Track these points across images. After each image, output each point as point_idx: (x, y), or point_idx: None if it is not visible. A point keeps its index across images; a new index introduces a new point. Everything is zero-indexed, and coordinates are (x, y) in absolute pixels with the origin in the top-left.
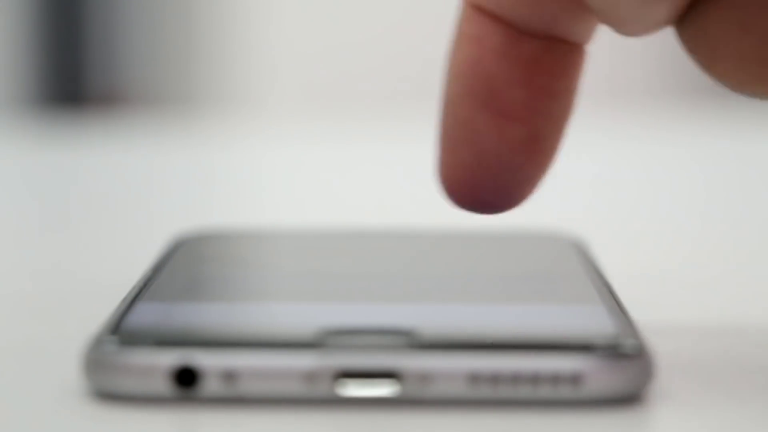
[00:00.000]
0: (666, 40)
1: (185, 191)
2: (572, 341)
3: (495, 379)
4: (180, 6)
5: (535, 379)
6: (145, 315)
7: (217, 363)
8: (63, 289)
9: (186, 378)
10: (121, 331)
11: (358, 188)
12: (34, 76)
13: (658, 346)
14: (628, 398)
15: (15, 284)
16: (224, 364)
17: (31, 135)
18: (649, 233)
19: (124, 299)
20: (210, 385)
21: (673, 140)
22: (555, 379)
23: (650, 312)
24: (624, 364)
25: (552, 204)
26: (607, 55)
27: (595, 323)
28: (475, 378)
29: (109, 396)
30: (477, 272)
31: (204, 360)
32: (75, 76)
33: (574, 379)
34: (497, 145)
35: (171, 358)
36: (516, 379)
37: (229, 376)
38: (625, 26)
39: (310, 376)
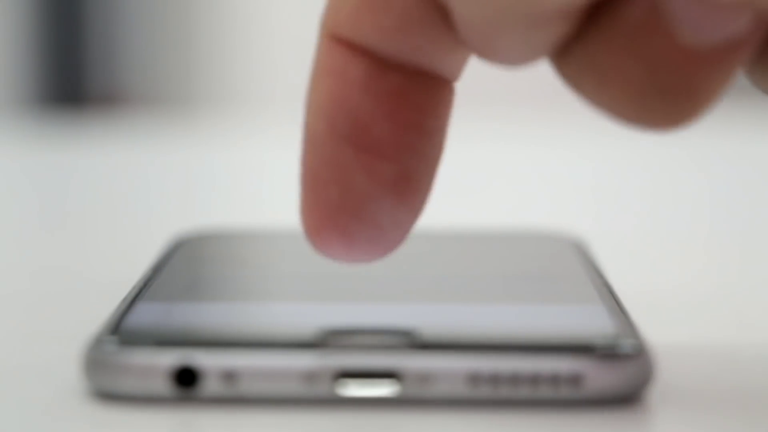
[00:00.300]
0: None
1: (185, 191)
2: (572, 341)
3: (495, 379)
4: (180, 6)
5: (534, 379)
6: (145, 315)
7: (217, 363)
8: (63, 289)
9: (186, 378)
10: (121, 331)
11: None
12: (34, 76)
13: (658, 346)
14: (628, 398)
15: (15, 284)
16: (224, 364)
17: (31, 135)
18: (649, 233)
19: (124, 299)
20: (210, 385)
21: (673, 140)
22: (555, 379)
23: (650, 312)
24: (624, 364)
25: (552, 204)
26: None
27: (594, 323)
28: (475, 378)
29: (109, 396)
30: (477, 272)
31: (204, 360)
32: (75, 76)
33: (574, 379)
34: (365, 184)
35: (171, 358)
36: (516, 379)
37: (229, 376)
38: (501, 55)
39: (310, 376)
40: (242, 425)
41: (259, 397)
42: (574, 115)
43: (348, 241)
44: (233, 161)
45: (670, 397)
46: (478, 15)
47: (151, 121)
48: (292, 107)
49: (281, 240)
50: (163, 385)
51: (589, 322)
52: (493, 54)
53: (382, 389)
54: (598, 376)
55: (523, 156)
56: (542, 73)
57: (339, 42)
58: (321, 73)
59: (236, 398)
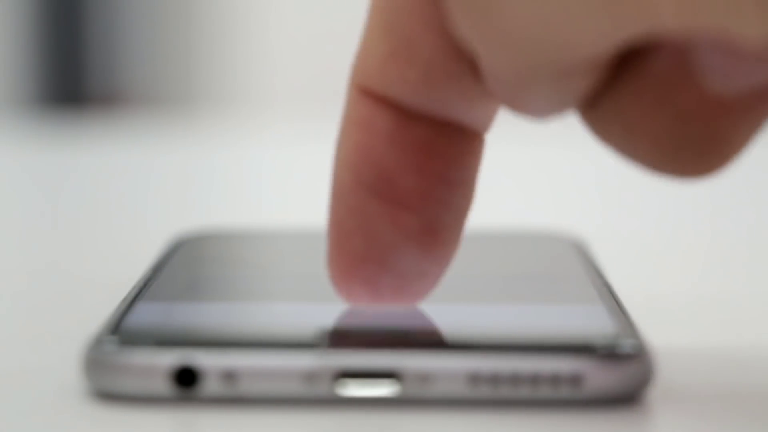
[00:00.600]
0: None
1: (185, 191)
2: (572, 341)
3: (495, 379)
4: (180, 6)
5: (535, 379)
6: (145, 315)
7: (217, 363)
8: (63, 289)
9: (186, 378)
10: (121, 331)
11: None
12: (34, 76)
13: (658, 346)
14: (628, 398)
15: (15, 284)
16: (224, 364)
17: (31, 135)
18: (649, 233)
19: (124, 299)
20: (210, 385)
21: None
22: (555, 379)
23: (650, 312)
24: (624, 364)
25: (553, 204)
26: None
27: (595, 323)
28: (475, 378)
29: (109, 396)
30: (477, 272)
31: (204, 360)
32: (75, 76)
33: (574, 379)
34: (391, 235)
35: (171, 358)
36: (516, 379)
37: (229, 376)
38: (529, 107)
39: (310, 376)
40: (242, 425)
41: (259, 397)
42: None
43: (373, 290)
44: (233, 161)
45: (670, 397)
46: (506, 67)
47: (151, 121)
48: (292, 107)
49: (281, 240)
50: (163, 385)
51: (589, 322)
52: (522, 106)
53: (382, 389)
54: (598, 376)
55: (524, 156)
56: None
57: (367, 93)
58: (349, 124)
59: (236, 398)
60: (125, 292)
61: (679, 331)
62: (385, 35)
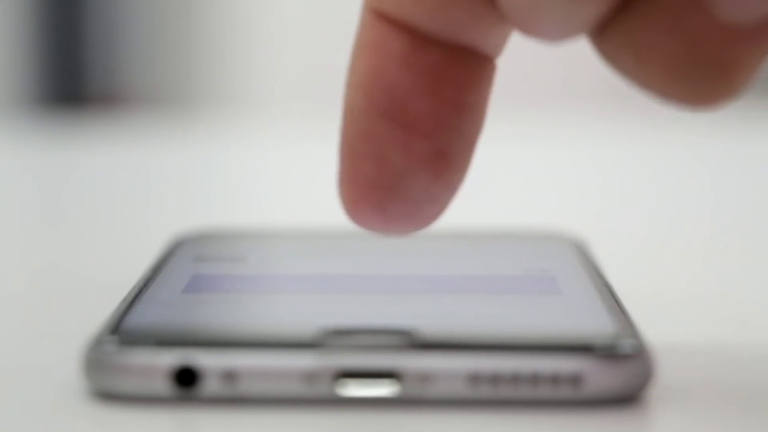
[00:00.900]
0: None
1: (185, 191)
2: (572, 341)
3: (495, 379)
4: (180, 6)
5: (534, 379)
6: (145, 315)
7: (217, 363)
8: (63, 289)
9: (186, 378)
10: (121, 331)
11: None
12: (34, 76)
13: (658, 346)
14: (628, 398)
15: (15, 284)
16: (224, 364)
17: (31, 135)
18: (649, 233)
19: (124, 299)
20: (210, 385)
21: (673, 140)
22: (555, 379)
23: (650, 312)
24: (624, 364)
25: (552, 204)
26: None
27: (595, 323)
28: (475, 378)
29: (109, 396)
30: (477, 272)
31: (204, 360)
32: (75, 76)
33: (574, 379)
34: (402, 160)
35: (171, 358)
36: (516, 379)
37: (229, 376)
38: (543, 30)
39: (310, 376)
40: (242, 425)
41: (259, 397)
42: (574, 115)
43: (383, 214)
44: (233, 161)
45: (670, 397)
46: None
47: (151, 121)
48: (291, 107)
49: (281, 240)
50: (163, 385)
51: (589, 322)
52: (534, 29)
53: (382, 389)
54: (598, 376)
55: (524, 156)
56: (543, 74)
57: (380, 16)
58: (362, 47)
59: (236, 398)
60: (125, 292)
61: (679, 331)
62: None
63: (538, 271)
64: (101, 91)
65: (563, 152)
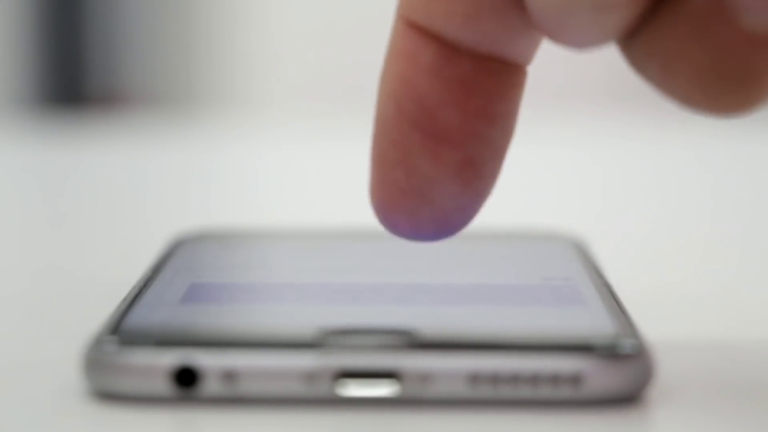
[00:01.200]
0: None
1: (185, 191)
2: (572, 341)
3: (495, 379)
4: (180, 6)
5: (535, 379)
6: (145, 315)
7: (217, 363)
8: (63, 289)
9: (186, 378)
10: (121, 331)
11: (358, 187)
12: (34, 76)
13: (658, 345)
14: (628, 398)
15: (15, 284)
16: (224, 364)
17: (31, 135)
18: (649, 233)
19: (124, 299)
20: (210, 385)
21: (674, 140)
22: (555, 379)
23: (650, 312)
24: (624, 364)
25: (553, 204)
26: (607, 55)
27: (595, 323)
28: (475, 378)
29: (109, 396)
30: (477, 272)
31: (204, 360)
32: (75, 76)
33: (574, 379)
34: (431, 169)
35: (171, 358)
36: (516, 379)
37: (229, 376)
38: (571, 39)
39: (310, 376)
40: (242, 425)
41: (259, 397)
42: (574, 115)
43: (413, 221)
44: (233, 161)
45: (670, 397)
46: None
47: (151, 121)
48: (291, 107)
49: (281, 240)
50: (163, 385)
51: (589, 322)
52: (564, 37)
53: (382, 389)
54: (598, 376)
55: (524, 156)
56: (543, 74)
57: (412, 26)
58: (393, 55)
59: (236, 398)
60: (125, 292)
61: (679, 331)
62: None
63: (539, 271)
64: (101, 91)
65: (563, 152)
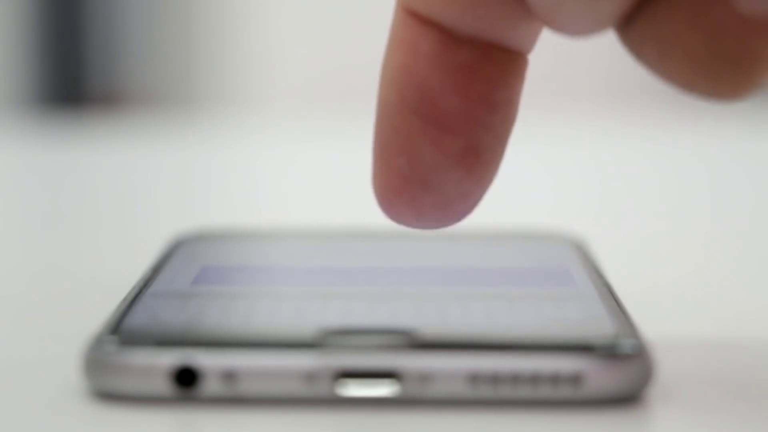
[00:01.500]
0: None
1: (185, 191)
2: (572, 341)
3: (495, 379)
4: (180, 6)
5: (534, 379)
6: (145, 315)
7: (217, 363)
8: (63, 289)
9: (186, 378)
10: (121, 331)
11: (358, 187)
12: (34, 76)
13: (658, 345)
14: (628, 398)
15: (15, 284)
16: (224, 364)
17: (31, 135)
18: (649, 232)
19: (124, 299)
20: (210, 385)
21: (674, 140)
22: (555, 379)
23: (650, 311)
24: (624, 364)
25: (552, 204)
26: (607, 55)
27: (594, 323)
28: (475, 378)
29: (109, 396)
30: (477, 272)
31: (204, 360)
32: (75, 76)
33: (574, 379)
34: (433, 156)
35: (171, 358)
36: (516, 379)
37: (229, 376)
38: (568, 26)
39: (310, 376)
40: (242, 425)
41: (259, 397)
42: (574, 115)
43: (416, 210)
44: (233, 161)
45: (670, 397)
46: None
47: (151, 121)
48: (291, 107)
49: (281, 240)
50: (163, 385)
51: (589, 322)
52: (561, 24)
53: (382, 389)
54: (598, 376)
55: (524, 156)
56: (543, 74)
57: (412, 15)
58: (394, 44)
59: (236, 398)
60: (125, 292)
61: (679, 331)
62: None
63: (538, 271)
64: (101, 91)
65: (563, 152)
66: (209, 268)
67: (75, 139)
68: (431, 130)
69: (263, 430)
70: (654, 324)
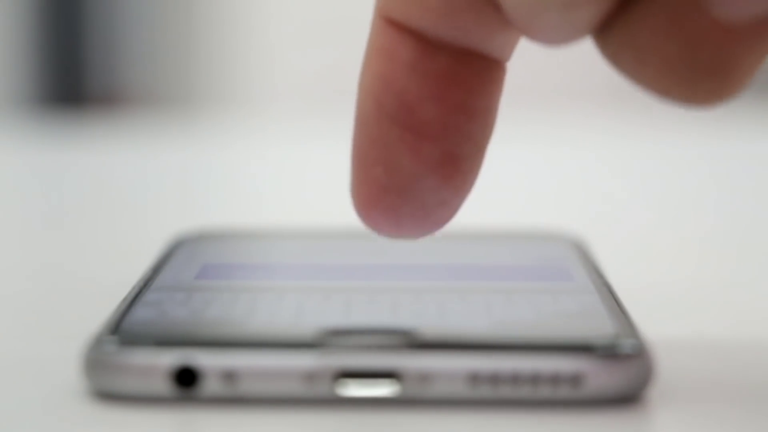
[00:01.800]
0: None
1: (185, 191)
2: (572, 341)
3: (495, 379)
4: (180, 6)
5: (535, 379)
6: (145, 315)
7: (217, 363)
8: (63, 289)
9: (186, 378)
10: (121, 331)
11: None
12: (34, 76)
13: (658, 345)
14: (628, 398)
15: (15, 283)
16: (224, 364)
17: (31, 135)
18: (649, 232)
19: (124, 299)
20: (210, 385)
21: (674, 140)
22: (555, 379)
23: (650, 312)
24: (624, 364)
25: (552, 204)
26: None
27: (595, 323)
28: (475, 378)
29: (109, 396)
30: (477, 272)
31: (204, 360)
32: (75, 76)
33: (574, 379)
34: (411, 165)
35: (171, 358)
36: (516, 379)
37: (229, 376)
38: (544, 35)
39: (310, 376)
40: (242, 425)
41: (259, 397)
42: (574, 115)
43: (395, 218)
44: (233, 161)
45: (670, 397)
46: None
47: (151, 121)
48: (291, 107)
49: (281, 240)
50: (163, 385)
51: (589, 322)
52: (537, 33)
53: (382, 389)
54: (598, 376)
55: (524, 156)
56: (543, 74)
57: (390, 23)
58: (372, 52)
59: (236, 398)
60: (125, 292)
61: (679, 331)
62: None
63: (538, 271)
64: (101, 91)
65: (563, 152)
66: (209, 267)
67: (75, 139)
68: (409, 139)
69: (263, 430)
70: (654, 324)
